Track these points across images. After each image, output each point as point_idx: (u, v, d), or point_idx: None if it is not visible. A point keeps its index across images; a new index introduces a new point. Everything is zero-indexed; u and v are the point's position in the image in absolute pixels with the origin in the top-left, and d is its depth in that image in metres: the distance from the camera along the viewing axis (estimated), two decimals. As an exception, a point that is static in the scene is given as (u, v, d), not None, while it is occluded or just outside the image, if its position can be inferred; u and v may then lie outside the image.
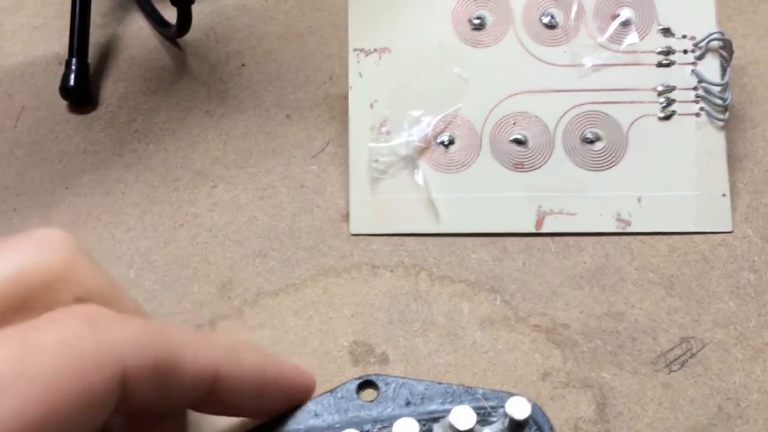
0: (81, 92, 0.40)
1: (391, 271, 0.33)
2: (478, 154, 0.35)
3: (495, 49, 0.35)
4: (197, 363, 0.21)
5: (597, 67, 0.35)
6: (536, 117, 0.35)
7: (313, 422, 0.26)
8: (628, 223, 0.34)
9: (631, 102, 0.35)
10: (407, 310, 0.32)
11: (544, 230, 0.34)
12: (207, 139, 0.39)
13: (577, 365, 0.30)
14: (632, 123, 0.34)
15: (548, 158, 0.34)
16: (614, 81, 0.35)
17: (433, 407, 0.27)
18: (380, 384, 0.27)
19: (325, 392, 0.26)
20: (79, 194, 0.37)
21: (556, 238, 0.34)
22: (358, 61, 0.36)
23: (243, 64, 0.43)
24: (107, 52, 0.43)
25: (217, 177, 0.37)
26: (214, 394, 0.22)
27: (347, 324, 0.31)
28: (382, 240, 0.34)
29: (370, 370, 0.30)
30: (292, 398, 0.26)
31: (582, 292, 0.32)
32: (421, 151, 0.35)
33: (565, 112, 0.35)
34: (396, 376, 0.27)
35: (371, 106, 0.35)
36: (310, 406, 0.26)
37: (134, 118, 0.40)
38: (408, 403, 0.27)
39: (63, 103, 0.41)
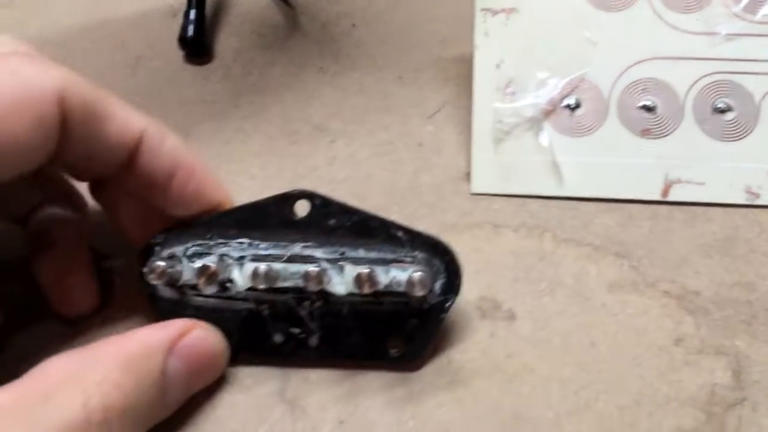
0: (199, 43, 0.40)
1: (514, 231, 0.33)
2: (605, 119, 0.34)
3: (626, 13, 0.35)
4: (127, 120, 0.24)
5: (730, 37, 0.34)
6: (666, 84, 0.34)
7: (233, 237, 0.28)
8: (758, 196, 0.33)
9: (764, 73, 0.34)
10: (533, 270, 0.32)
11: (670, 198, 0.33)
12: (322, 95, 0.39)
13: (711, 332, 0.29)
14: (765, 94, 0.34)
15: (677, 126, 0.34)
16: (748, 51, 0.34)
17: (352, 250, 0.28)
18: (315, 202, 0.28)
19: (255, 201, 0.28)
20: (200, 141, 0.37)
21: (683, 207, 0.33)
22: (484, 21, 0.35)
23: (353, 25, 0.43)
24: (219, 8, 0.44)
25: (335, 132, 0.37)
26: (135, 160, 0.25)
27: (472, 279, 0.31)
28: (504, 200, 0.34)
29: (498, 326, 0.30)
30: (208, 201, 0.28)
31: (712, 261, 0.32)
32: (547, 113, 0.34)
33: (696, 81, 0.34)
34: (336, 201, 0.28)
35: (497, 66, 0.35)
36: (239, 214, 0.28)
37: (250, 72, 0.40)
38: (332, 232, 0.28)
39: (179, 54, 0.41)
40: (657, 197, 0.33)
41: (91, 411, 0.20)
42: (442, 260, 0.28)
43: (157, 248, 0.27)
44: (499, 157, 0.34)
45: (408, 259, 0.27)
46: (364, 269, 0.26)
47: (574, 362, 0.29)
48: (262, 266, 0.26)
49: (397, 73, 0.40)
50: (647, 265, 0.32)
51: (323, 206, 0.28)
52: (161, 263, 0.26)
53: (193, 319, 0.27)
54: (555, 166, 0.34)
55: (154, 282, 0.26)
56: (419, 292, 0.26)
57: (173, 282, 0.27)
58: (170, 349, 0.24)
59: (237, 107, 0.38)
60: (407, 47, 0.41)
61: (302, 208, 0.28)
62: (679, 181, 0.33)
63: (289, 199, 0.27)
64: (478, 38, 0.35)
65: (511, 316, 0.30)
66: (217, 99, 0.39)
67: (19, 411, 0.20)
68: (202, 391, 0.28)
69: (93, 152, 0.24)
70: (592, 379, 0.28)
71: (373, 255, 0.27)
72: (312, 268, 0.26)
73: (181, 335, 0.25)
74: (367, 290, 0.26)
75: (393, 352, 0.28)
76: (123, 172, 0.26)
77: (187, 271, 0.27)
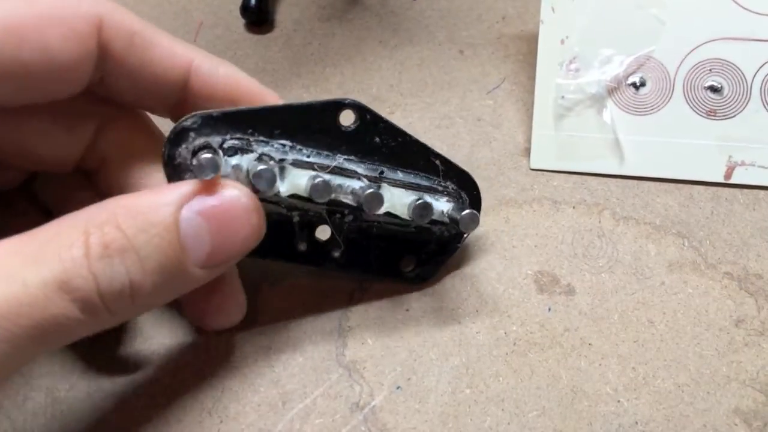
0: (261, 12, 0.40)
1: (573, 208, 0.33)
2: (670, 99, 0.34)
3: (695, -8, 0.34)
4: (173, 49, 0.24)
5: (803, 19, 0.33)
6: (734, 65, 0.34)
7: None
8: (824, 181, 0.33)
9: (836, 57, 0.33)
10: (591, 246, 0.32)
11: (733, 181, 0.33)
12: (381, 68, 0.39)
13: (772, 315, 0.29)
14: (836, 79, 0.33)
15: (743, 108, 0.33)
16: (820, 34, 0.33)
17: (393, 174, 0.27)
18: (364, 115, 0.26)
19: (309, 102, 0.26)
20: (260, 109, 0.37)
21: (745, 190, 0.33)
22: (550, -4, 0.35)
23: (414, -1, 0.42)
24: (280, -22, 0.44)
25: (394, 104, 0.37)
26: (188, 91, 0.25)
27: (531, 254, 0.31)
28: (563, 177, 0.34)
29: (556, 300, 0.30)
30: None
31: (775, 244, 0.31)
32: (611, 90, 0.34)
33: (765, 63, 0.33)
34: (384, 118, 0.27)
35: (562, 42, 0.35)
36: (284, 112, 0.25)
37: (310, 42, 0.41)
38: (374, 150, 0.27)
39: (240, 22, 0.42)
40: (719, 179, 0.33)
41: (89, 246, 0.20)
42: (470, 194, 0.29)
43: (192, 134, 0.24)
44: (560, 133, 0.34)
45: (440, 188, 0.28)
46: (417, 198, 0.27)
47: (632, 339, 0.29)
48: (318, 179, 0.25)
49: (458, 48, 0.40)
50: (708, 246, 0.31)
51: (371, 121, 0.27)
52: (206, 155, 0.23)
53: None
54: (616, 144, 0.34)
55: (186, 169, 0.24)
56: (468, 228, 0.27)
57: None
58: (182, 201, 0.22)
59: (297, 76, 0.39)
60: (467, 23, 0.41)
61: (349, 119, 0.27)
62: (742, 164, 0.33)
63: (338, 106, 0.26)
64: (545, 13, 0.35)
65: (569, 291, 0.30)
66: (277, 68, 0.39)
67: (30, 247, 0.20)
68: (260, 351, 0.28)
69: (141, 80, 0.25)
70: (650, 356, 0.28)
71: (410, 179, 0.28)
72: (372, 190, 0.26)
73: (199, 191, 0.23)
74: (419, 219, 0.27)
75: (407, 271, 0.29)
76: (179, 104, 0.26)
77: (226, 167, 0.24)
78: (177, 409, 0.27)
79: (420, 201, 0.27)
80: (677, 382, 0.28)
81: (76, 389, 0.27)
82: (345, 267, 0.29)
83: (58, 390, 0.28)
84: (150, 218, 0.21)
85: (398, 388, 0.28)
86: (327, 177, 0.26)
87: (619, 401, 0.27)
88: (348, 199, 0.26)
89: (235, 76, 0.26)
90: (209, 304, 0.27)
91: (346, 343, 0.29)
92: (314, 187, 0.25)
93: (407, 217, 0.27)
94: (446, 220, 0.28)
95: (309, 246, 0.28)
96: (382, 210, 0.27)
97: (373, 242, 0.29)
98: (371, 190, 0.26)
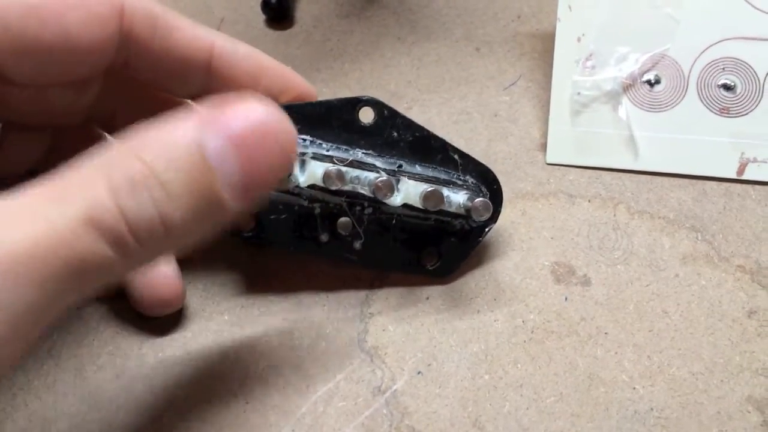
0: (281, 9, 0.41)
1: (589, 201, 0.34)
2: (684, 96, 0.35)
3: (709, -8, 0.35)
4: (194, 33, 0.25)
5: (814, 20, 0.34)
6: (747, 64, 0.34)
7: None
8: (835, 178, 0.33)
9: None
10: (607, 239, 0.32)
11: (745, 177, 0.34)
12: (400, 63, 0.40)
13: (784, 307, 0.30)
14: None
15: (756, 106, 0.34)
16: (831, 35, 0.34)
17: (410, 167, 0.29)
18: (381, 111, 0.28)
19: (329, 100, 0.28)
20: (281, 102, 0.38)
21: (757, 186, 0.34)
22: (567, -5, 0.36)
23: (431, -3, 0.43)
24: (299, -24, 0.45)
25: (412, 99, 0.38)
26: (211, 73, 0.26)
27: (547, 245, 0.32)
28: (578, 171, 0.35)
29: (573, 290, 0.30)
30: (297, 94, 0.28)
31: (787, 239, 0.32)
32: (626, 87, 0.35)
33: (777, 62, 0.34)
34: (401, 114, 0.28)
35: (578, 39, 0.35)
36: (305, 110, 0.27)
37: (329, 38, 0.41)
38: (392, 144, 0.28)
39: (260, 19, 0.42)
40: (732, 175, 0.34)
41: (112, 181, 0.19)
42: (489, 188, 0.29)
43: None
44: (576, 128, 0.35)
45: (459, 182, 0.29)
46: (429, 186, 0.27)
47: (647, 329, 0.29)
48: (332, 167, 0.27)
49: (475, 45, 0.41)
50: (721, 240, 0.32)
51: (389, 117, 0.28)
52: None
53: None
54: (631, 140, 0.34)
55: None
56: (482, 217, 0.28)
57: None
58: (202, 122, 0.20)
59: (317, 72, 0.39)
60: (483, 21, 0.42)
61: (367, 115, 0.28)
62: (755, 161, 0.34)
63: (356, 103, 0.28)
64: (562, 11, 0.36)
65: (585, 282, 0.31)
66: (297, 63, 0.40)
67: (50, 188, 0.18)
68: (284, 336, 0.29)
69: (165, 64, 0.25)
70: (665, 345, 0.29)
71: (429, 173, 0.29)
72: (383, 177, 0.27)
73: (219, 109, 0.20)
74: (431, 207, 0.27)
75: (428, 265, 0.30)
76: (204, 88, 0.26)
77: None
78: (203, 390, 0.28)
79: (431, 188, 0.27)
80: (691, 371, 0.28)
81: (103, 370, 0.28)
82: (366, 259, 0.30)
83: (86, 370, 0.28)
84: (169, 143, 0.19)
85: (419, 373, 0.28)
86: (343, 168, 0.27)
87: (634, 388, 0.28)
88: (365, 191, 0.27)
89: (255, 56, 0.27)
90: (149, 291, 0.28)
91: (367, 329, 0.30)
92: (327, 174, 0.26)
93: (422, 206, 0.28)
94: (464, 212, 0.28)
95: (331, 237, 0.29)
96: (398, 201, 0.28)
97: (394, 235, 0.29)
98: (383, 177, 0.27)
